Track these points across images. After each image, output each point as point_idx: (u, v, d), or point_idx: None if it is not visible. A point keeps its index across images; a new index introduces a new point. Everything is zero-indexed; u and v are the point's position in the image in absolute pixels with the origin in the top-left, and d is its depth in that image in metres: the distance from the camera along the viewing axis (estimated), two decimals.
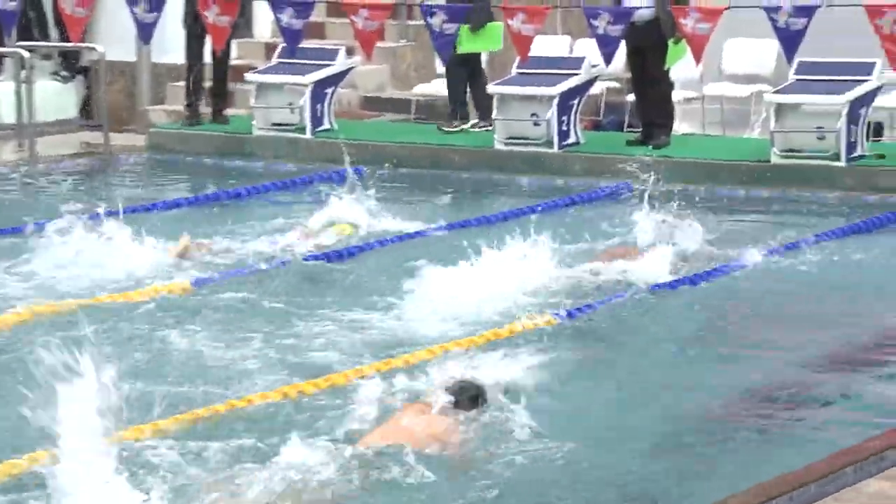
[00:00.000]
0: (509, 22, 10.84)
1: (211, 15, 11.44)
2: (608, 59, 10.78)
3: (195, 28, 11.78)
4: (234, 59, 12.70)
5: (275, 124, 11.92)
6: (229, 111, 12.65)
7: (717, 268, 7.79)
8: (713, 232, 8.53)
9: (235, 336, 6.50)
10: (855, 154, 10.13)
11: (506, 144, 11.11)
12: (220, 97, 12.19)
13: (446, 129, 11.58)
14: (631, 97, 11.96)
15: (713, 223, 8.84)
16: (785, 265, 7.86)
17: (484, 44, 11.42)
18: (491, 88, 11.24)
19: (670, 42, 10.45)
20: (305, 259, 8.03)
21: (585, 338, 6.57)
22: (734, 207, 9.72)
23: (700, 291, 7.38)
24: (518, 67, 11.23)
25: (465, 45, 11.38)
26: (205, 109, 12.16)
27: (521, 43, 10.86)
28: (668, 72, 10.69)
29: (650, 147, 10.62)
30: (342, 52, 11.96)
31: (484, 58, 11.99)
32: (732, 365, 6.23)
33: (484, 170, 10.94)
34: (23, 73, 11.74)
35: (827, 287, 7.50)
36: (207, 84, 12.17)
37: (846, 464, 4.54)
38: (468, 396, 5.26)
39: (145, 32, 11.68)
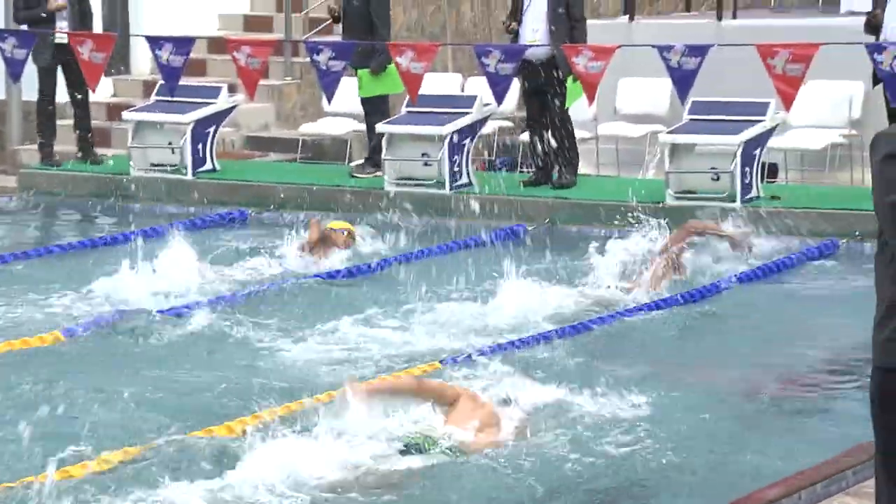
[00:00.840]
0: (398, 60, 10.49)
1: (85, 51, 10.91)
2: (500, 98, 10.48)
3: (52, 64, 11.28)
4: (111, 98, 12.19)
5: (154, 165, 11.40)
6: (107, 151, 12.11)
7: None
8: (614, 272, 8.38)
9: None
10: (750, 195, 9.95)
11: (396, 185, 10.73)
12: (89, 135, 11.66)
13: (358, 174, 11.15)
14: (525, 137, 11.69)
15: (614, 265, 8.61)
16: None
17: (385, 87, 11.05)
18: (380, 127, 10.86)
19: (569, 81, 10.21)
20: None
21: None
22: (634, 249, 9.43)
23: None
24: (407, 106, 10.88)
25: (366, 89, 11.02)
26: (69, 149, 11.62)
27: (411, 81, 10.52)
28: (567, 111, 10.44)
29: (552, 187, 10.35)
30: (224, 91, 11.50)
31: None
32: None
33: (375, 211, 10.55)
34: None
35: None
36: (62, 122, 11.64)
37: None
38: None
39: (15, 70, 11.11)
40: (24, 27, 11.51)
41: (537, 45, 10.28)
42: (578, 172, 10.83)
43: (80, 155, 11.66)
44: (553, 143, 10.50)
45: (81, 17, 11.53)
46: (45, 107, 11.61)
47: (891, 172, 3.38)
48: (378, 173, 10.92)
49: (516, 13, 10.48)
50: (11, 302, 7.94)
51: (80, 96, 11.52)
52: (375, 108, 11.13)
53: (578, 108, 10.76)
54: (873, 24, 9.71)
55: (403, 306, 7.73)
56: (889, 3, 9.66)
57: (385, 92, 11.11)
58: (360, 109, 11.50)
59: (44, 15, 11.37)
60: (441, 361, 6.74)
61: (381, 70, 10.89)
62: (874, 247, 3.49)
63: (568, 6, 10.27)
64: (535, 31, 10.30)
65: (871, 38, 9.78)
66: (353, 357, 6.93)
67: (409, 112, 10.88)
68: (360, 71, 10.97)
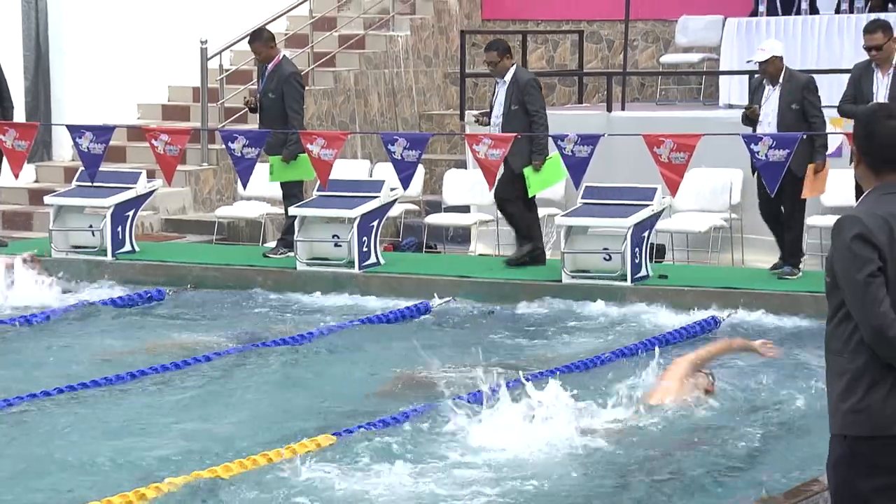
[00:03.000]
0: (309, 147, 10.65)
1: (8, 140, 10.90)
2: (406, 183, 10.68)
3: None
4: (34, 183, 12.13)
5: (75, 247, 11.37)
6: (28, 234, 12.04)
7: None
8: (515, 349, 8.44)
9: None
10: (640, 274, 10.21)
11: (308, 265, 10.83)
12: None
13: (271, 255, 11.21)
14: (429, 219, 11.88)
15: (515, 341, 8.77)
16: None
17: (297, 174, 11.18)
18: (293, 210, 10.97)
19: (528, 170, 10.40)
20: None
21: None
22: (530, 325, 9.62)
23: None
24: (318, 190, 11.02)
25: (278, 175, 11.13)
26: None
27: (321, 167, 10.68)
28: (532, 199, 10.60)
29: (508, 262, 10.55)
30: (143, 176, 11.53)
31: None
32: None
33: (286, 290, 10.62)
34: None
35: None
36: None
37: None
38: None
39: None
40: None
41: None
42: (482, 252, 11.00)
43: None
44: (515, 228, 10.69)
45: (2, 103, 11.49)
46: None
47: (861, 251, 3.58)
48: (290, 254, 11.02)
49: (489, 109, 10.79)
50: None
51: None
52: (290, 191, 11.26)
53: (480, 194, 10.94)
54: (750, 118, 10.08)
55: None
56: (765, 98, 10.05)
57: (296, 178, 11.24)
58: (273, 194, 11.61)
59: None
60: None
61: (292, 158, 11.04)
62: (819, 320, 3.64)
63: (522, 103, 10.47)
64: (496, 126, 10.57)
65: (749, 130, 10.16)
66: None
67: (320, 196, 11.02)
68: (272, 158, 11.10)
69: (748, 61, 10.74)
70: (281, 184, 11.27)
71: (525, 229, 10.73)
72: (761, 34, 12.66)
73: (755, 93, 10.18)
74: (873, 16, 11.55)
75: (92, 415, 7.19)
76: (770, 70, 9.92)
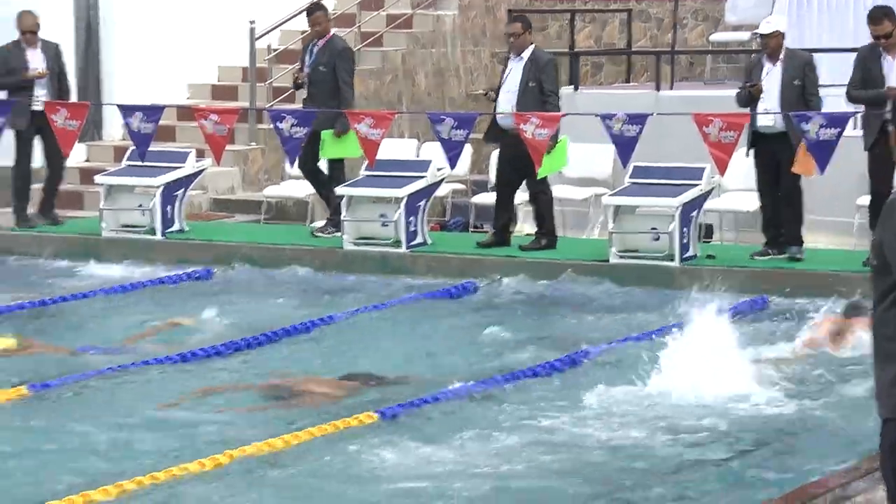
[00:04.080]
0: (357, 127, 10.48)
1: (60, 119, 10.83)
2: (453, 163, 10.48)
3: (29, 130, 11.18)
4: (84, 162, 12.07)
5: (124, 226, 11.29)
6: (79, 213, 11.99)
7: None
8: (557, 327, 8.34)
9: None
10: (688, 254, 9.97)
11: (355, 245, 10.68)
12: (54, 198, 11.50)
13: (319, 234, 11.07)
14: (476, 199, 11.69)
15: (558, 320, 8.60)
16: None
17: (345, 150, 11.01)
18: (340, 190, 10.82)
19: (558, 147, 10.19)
20: None
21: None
22: (577, 305, 9.44)
23: None
24: (366, 170, 10.85)
25: (327, 151, 10.96)
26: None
27: (369, 147, 10.51)
28: (544, 179, 10.37)
29: (522, 247, 10.34)
30: (192, 155, 11.43)
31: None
32: None
33: (333, 270, 10.48)
34: None
35: None
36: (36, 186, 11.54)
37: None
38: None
39: None
40: (2, 94, 11.42)
41: (507, 115, 10.26)
42: (528, 233, 10.82)
43: (39, 211, 11.47)
44: (532, 209, 10.51)
45: (60, 87, 11.45)
46: (22, 171, 11.49)
47: None
48: (338, 233, 10.87)
49: (498, 85, 10.51)
50: None
51: (56, 161, 11.42)
52: (334, 172, 11.10)
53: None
54: (753, 94, 9.77)
55: None
56: (765, 74, 9.75)
57: (345, 155, 11.07)
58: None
59: (22, 82, 11.28)
60: None
61: (344, 132, 10.85)
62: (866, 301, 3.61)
63: (539, 81, 10.27)
64: (508, 102, 10.33)
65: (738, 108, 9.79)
66: None
67: (367, 175, 10.86)
68: (324, 133, 10.92)
69: (753, 33, 10.49)
70: (328, 163, 11.11)
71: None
72: (812, 11, 12.35)
73: (752, 71, 9.91)
74: None
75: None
76: (772, 44, 9.71)
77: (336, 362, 7.74)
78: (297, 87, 11.34)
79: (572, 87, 12.41)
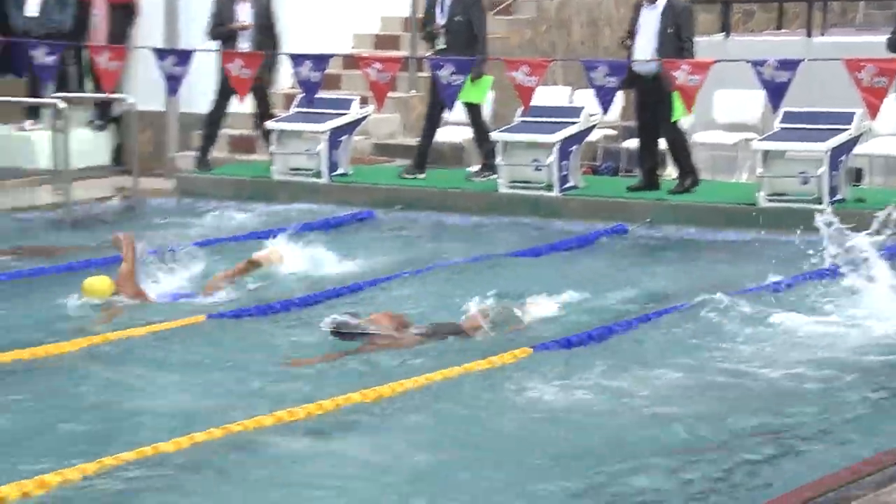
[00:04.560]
0: (513, 74, 10.77)
1: (235, 68, 11.40)
2: (606, 108, 10.70)
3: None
4: (256, 109, 12.60)
5: (293, 169, 11.84)
6: (251, 157, 12.59)
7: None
8: (705, 271, 8.42)
9: None
10: (837, 198, 10.01)
11: (509, 188, 11.01)
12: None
13: (474, 178, 11.44)
14: (627, 144, 11.88)
15: (706, 263, 8.75)
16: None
17: (478, 95, 11.36)
18: (495, 135, 11.16)
19: (676, 96, 10.37)
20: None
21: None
22: (724, 248, 9.58)
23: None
24: (521, 116, 11.15)
25: (464, 95, 11.26)
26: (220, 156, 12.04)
27: (524, 93, 10.79)
28: (675, 123, 10.56)
29: (669, 193, 10.51)
30: (356, 102, 11.89)
31: (489, 108, 11.97)
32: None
33: (488, 212, 10.83)
34: (58, 123, 11.66)
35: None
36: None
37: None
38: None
39: (173, 85, 11.62)
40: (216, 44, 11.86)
41: (645, 61, 10.45)
42: (676, 177, 10.98)
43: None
44: (665, 151, 10.66)
45: (268, 39, 11.89)
46: (217, 117, 12.07)
47: None
48: (493, 177, 11.21)
49: (633, 30, 10.69)
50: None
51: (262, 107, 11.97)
52: (475, 118, 11.41)
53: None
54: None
55: None
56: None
57: (475, 100, 11.37)
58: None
59: (229, 33, 11.79)
60: None
61: (478, 77, 11.18)
62: None
63: (678, 27, 10.42)
64: (645, 48, 10.50)
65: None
66: None
67: (522, 121, 11.15)
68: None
69: None
70: (467, 110, 11.37)
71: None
72: None
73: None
74: None
75: None
76: None
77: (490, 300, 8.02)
78: (431, 38, 11.62)
79: (723, 33, 12.44)
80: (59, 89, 12.38)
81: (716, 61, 10.37)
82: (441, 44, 11.41)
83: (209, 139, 12.26)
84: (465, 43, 11.29)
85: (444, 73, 10.96)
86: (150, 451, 5.25)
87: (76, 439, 5.51)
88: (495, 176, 11.15)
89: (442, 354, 6.72)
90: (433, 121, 11.58)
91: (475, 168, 11.73)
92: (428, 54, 11.67)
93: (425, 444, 5.46)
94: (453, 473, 5.15)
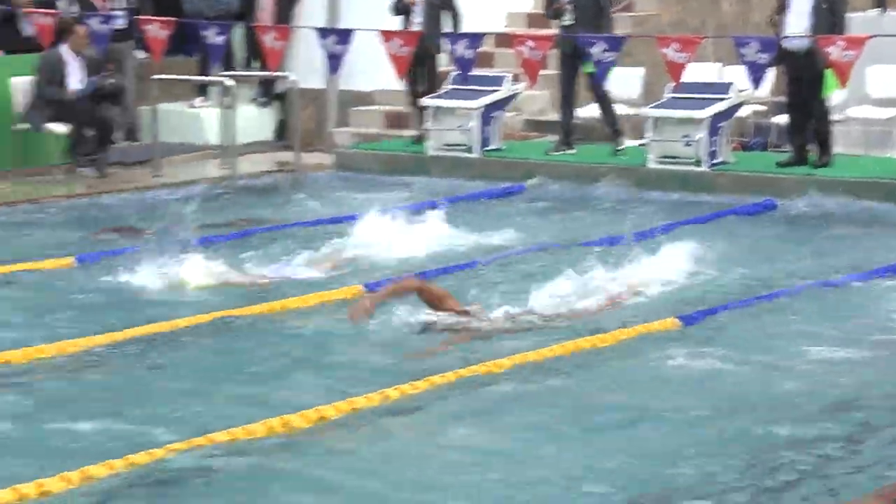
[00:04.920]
0: (664, 51, 10.82)
1: (394, 47, 11.69)
2: (757, 84, 10.67)
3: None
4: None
5: (447, 144, 12.12)
6: (406, 133, 12.90)
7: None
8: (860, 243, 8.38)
9: None
10: None
11: (659, 163, 11.08)
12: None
13: (556, 153, 11.59)
14: (776, 119, 11.80)
15: (858, 235, 8.69)
16: None
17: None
18: (645, 111, 11.24)
19: (828, 72, 10.28)
20: None
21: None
22: (877, 221, 9.50)
23: None
24: (671, 92, 11.19)
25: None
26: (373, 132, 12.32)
27: (675, 69, 10.83)
28: (824, 99, 10.49)
29: (811, 167, 10.45)
30: (508, 79, 12.09)
31: (640, 83, 12.04)
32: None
33: (638, 187, 10.91)
34: (226, 100, 12.17)
35: None
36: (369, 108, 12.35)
37: None
38: None
39: (334, 63, 11.98)
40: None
41: (801, 37, 10.37)
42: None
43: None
44: (812, 127, 10.62)
45: (446, 16, 12.10)
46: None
47: None
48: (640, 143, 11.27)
49: (782, 7, 10.61)
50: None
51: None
52: (601, 93, 11.54)
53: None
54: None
55: None
56: None
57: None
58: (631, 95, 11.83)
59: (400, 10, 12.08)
60: None
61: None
62: None
63: (832, 2, 10.31)
64: (798, 24, 10.42)
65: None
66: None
67: (672, 97, 11.20)
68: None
69: None
70: (593, 85, 11.45)
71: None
72: None
73: None
74: None
75: None
76: None
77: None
78: (557, 15, 11.67)
79: (879, 9, 12.22)
80: (226, 68, 12.90)
81: (871, 36, 10.24)
82: (568, 20, 11.51)
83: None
84: (592, 17, 11.35)
85: (596, 51, 11.07)
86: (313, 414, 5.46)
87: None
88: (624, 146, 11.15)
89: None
90: (567, 97, 11.67)
91: (622, 145, 11.74)
92: (555, 32, 11.75)
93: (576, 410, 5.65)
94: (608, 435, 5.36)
